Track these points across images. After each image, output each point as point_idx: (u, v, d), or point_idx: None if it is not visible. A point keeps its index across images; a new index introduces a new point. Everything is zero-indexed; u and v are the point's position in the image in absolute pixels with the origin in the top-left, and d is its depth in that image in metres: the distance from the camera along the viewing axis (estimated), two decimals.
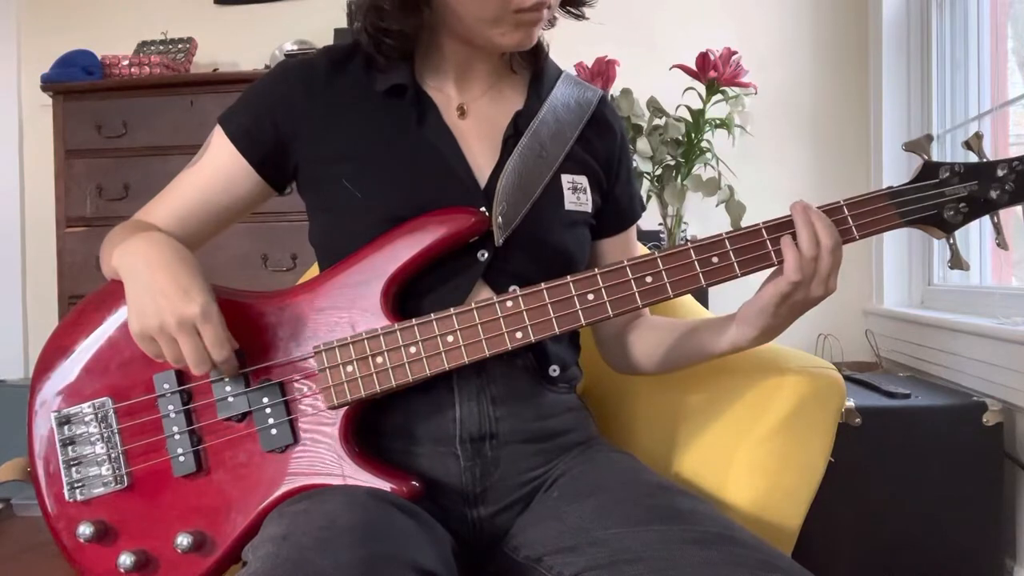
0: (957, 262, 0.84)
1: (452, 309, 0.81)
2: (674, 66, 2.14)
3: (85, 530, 0.81)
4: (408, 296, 0.85)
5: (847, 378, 1.82)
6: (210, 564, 0.81)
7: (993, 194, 0.81)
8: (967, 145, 0.83)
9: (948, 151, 2.21)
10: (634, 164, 1.55)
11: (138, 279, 0.79)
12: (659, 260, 0.81)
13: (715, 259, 0.81)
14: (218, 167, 0.91)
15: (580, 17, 0.95)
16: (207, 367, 0.77)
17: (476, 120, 0.92)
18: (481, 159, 0.89)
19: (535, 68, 0.96)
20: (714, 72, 2.10)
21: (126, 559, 0.80)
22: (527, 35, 0.85)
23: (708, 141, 2.18)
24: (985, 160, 0.82)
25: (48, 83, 2.42)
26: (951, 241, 0.84)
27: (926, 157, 0.83)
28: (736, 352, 0.87)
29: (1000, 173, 0.81)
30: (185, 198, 0.92)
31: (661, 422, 1.04)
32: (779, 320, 0.82)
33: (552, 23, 0.94)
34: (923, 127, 2.30)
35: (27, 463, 0.85)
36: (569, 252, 0.91)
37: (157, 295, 0.77)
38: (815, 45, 2.54)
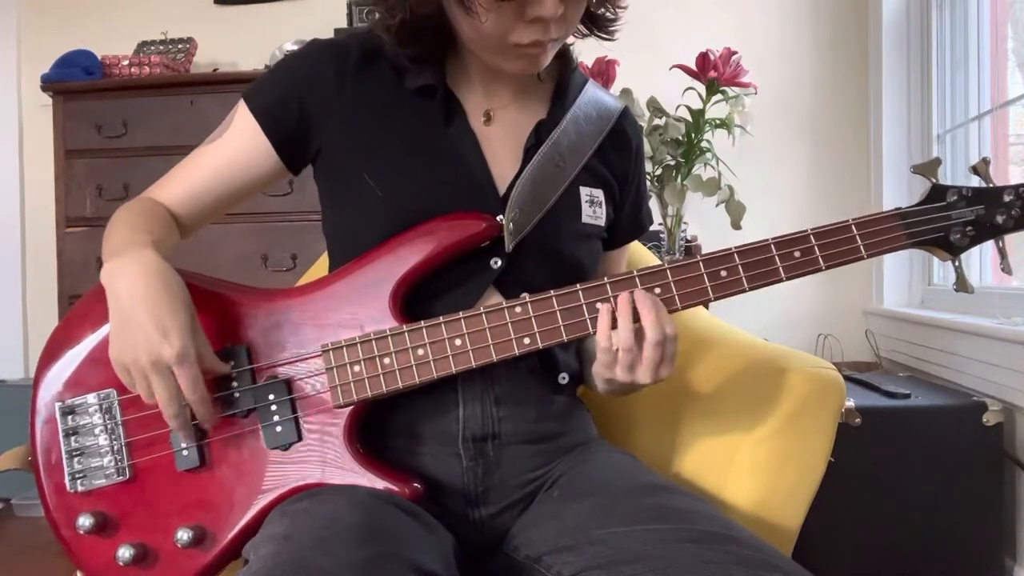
0: (962, 285, 0.84)
1: (461, 313, 0.81)
2: (674, 66, 2.15)
3: (85, 521, 0.81)
4: (420, 298, 0.85)
5: (847, 378, 1.82)
6: (210, 559, 0.81)
7: (999, 219, 0.82)
8: (974, 170, 0.83)
9: (948, 151, 2.21)
10: None
11: (120, 308, 0.77)
12: (668, 272, 0.81)
13: (724, 273, 0.81)
14: (240, 145, 0.90)
15: (608, 39, 0.92)
16: (175, 408, 0.76)
17: (501, 127, 0.91)
18: (503, 166, 0.89)
19: (560, 78, 0.95)
20: (714, 72, 2.10)
21: (125, 552, 0.80)
22: (531, 63, 0.84)
23: (708, 141, 2.18)
24: (992, 185, 0.82)
25: (48, 83, 2.42)
26: (956, 264, 0.84)
27: (934, 180, 0.83)
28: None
29: (1007, 199, 0.81)
30: (202, 175, 0.91)
31: (661, 422, 1.04)
32: (620, 390, 0.85)
33: (587, 34, 0.92)
34: (923, 127, 2.31)
35: (28, 452, 0.85)
36: (582, 264, 0.91)
37: (135, 330, 0.75)
38: (815, 45, 2.54)
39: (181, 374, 0.75)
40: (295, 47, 2.46)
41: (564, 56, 0.95)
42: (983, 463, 1.60)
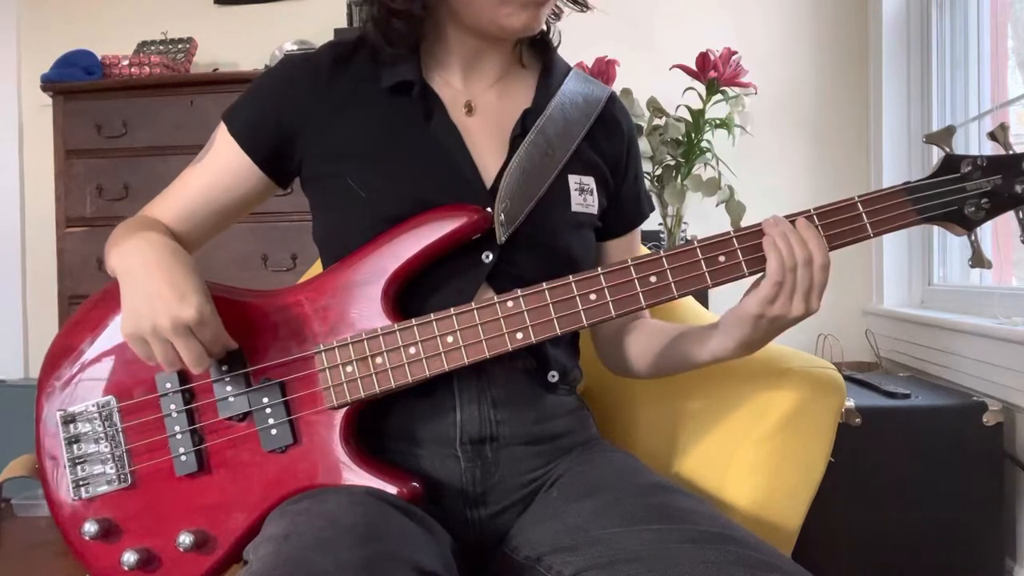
0: (979, 260, 0.81)
1: (452, 309, 0.80)
2: (674, 66, 2.14)
3: (90, 528, 0.82)
4: (413, 296, 0.84)
5: (847, 378, 1.82)
6: (211, 563, 0.81)
7: (1018, 188, 0.77)
8: (992, 136, 0.79)
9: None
10: None
11: (134, 281, 0.79)
12: (664, 259, 0.80)
13: (721, 258, 0.79)
14: (223, 166, 0.91)
15: (584, 8, 0.94)
16: (206, 365, 0.77)
17: (483, 117, 0.91)
18: (488, 158, 0.88)
19: (544, 63, 0.95)
20: (714, 72, 2.10)
21: (129, 557, 0.81)
22: (534, 16, 0.84)
23: (708, 141, 2.18)
24: (1011, 152, 0.78)
25: (48, 83, 2.42)
26: (972, 238, 0.80)
27: (947, 150, 0.79)
28: (717, 363, 0.86)
29: None
30: (190, 196, 0.92)
31: (661, 422, 1.04)
32: (758, 334, 0.80)
33: (558, 16, 0.93)
34: (923, 127, 2.30)
35: (34, 460, 0.86)
36: (574, 255, 0.90)
37: (152, 297, 0.77)
38: (815, 45, 2.54)
39: (203, 332, 0.77)
40: (295, 47, 2.48)
41: (544, 43, 0.95)
42: (983, 463, 1.60)
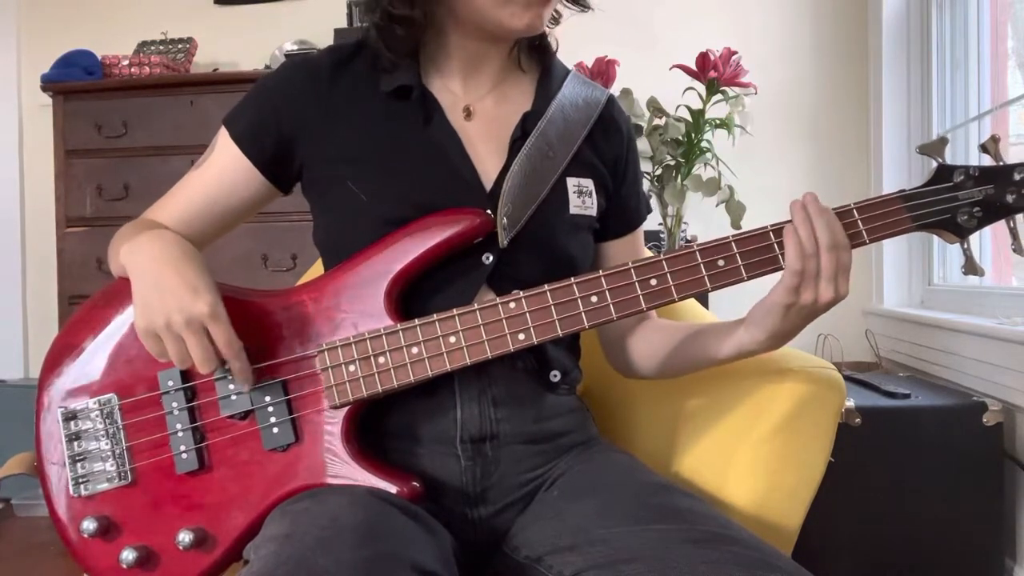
0: (971, 267, 0.82)
1: (455, 310, 0.81)
2: (674, 66, 2.15)
3: (89, 525, 0.82)
4: (414, 297, 0.85)
5: (847, 378, 1.82)
6: (211, 561, 0.81)
7: (1009, 198, 0.79)
8: (983, 148, 0.80)
9: (948, 151, 2.19)
10: None
11: (145, 276, 0.79)
12: (664, 263, 0.80)
13: (721, 262, 0.80)
14: (223, 169, 0.91)
15: (584, 9, 0.94)
16: (214, 366, 0.78)
17: (483, 121, 0.91)
18: (488, 161, 0.89)
19: (543, 66, 0.95)
20: (714, 72, 2.10)
21: (128, 555, 0.81)
22: (537, 15, 0.84)
23: (708, 141, 2.18)
24: (1001, 163, 0.80)
25: (48, 83, 2.42)
26: (965, 246, 0.82)
27: (940, 160, 0.81)
28: (742, 357, 0.86)
29: (1017, 177, 0.79)
30: (191, 200, 0.92)
31: (661, 422, 1.04)
32: (788, 324, 0.79)
33: (557, 21, 0.93)
34: (923, 127, 2.31)
35: (34, 458, 0.86)
36: (573, 256, 0.91)
37: (164, 292, 0.77)
38: (815, 45, 2.54)
39: (216, 330, 0.77)
40: (295, 47, 2.48)
41: (543, 47, 0.95)
42: (983, 463, 1.60)
